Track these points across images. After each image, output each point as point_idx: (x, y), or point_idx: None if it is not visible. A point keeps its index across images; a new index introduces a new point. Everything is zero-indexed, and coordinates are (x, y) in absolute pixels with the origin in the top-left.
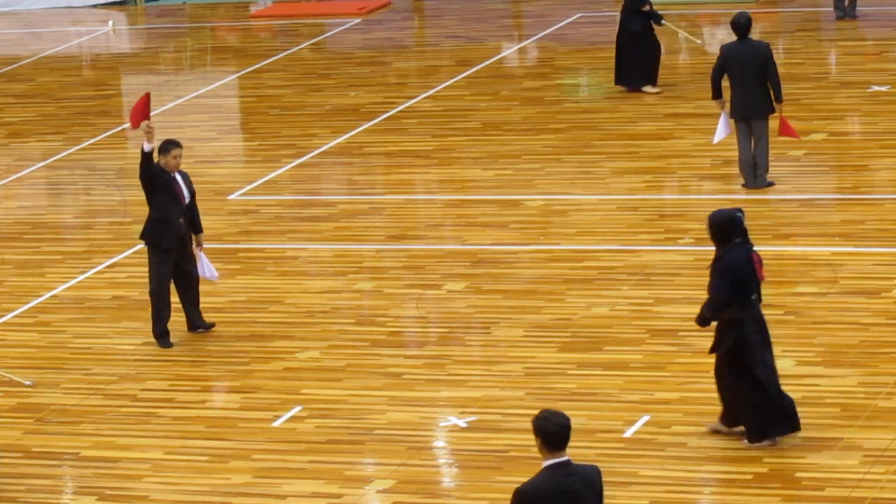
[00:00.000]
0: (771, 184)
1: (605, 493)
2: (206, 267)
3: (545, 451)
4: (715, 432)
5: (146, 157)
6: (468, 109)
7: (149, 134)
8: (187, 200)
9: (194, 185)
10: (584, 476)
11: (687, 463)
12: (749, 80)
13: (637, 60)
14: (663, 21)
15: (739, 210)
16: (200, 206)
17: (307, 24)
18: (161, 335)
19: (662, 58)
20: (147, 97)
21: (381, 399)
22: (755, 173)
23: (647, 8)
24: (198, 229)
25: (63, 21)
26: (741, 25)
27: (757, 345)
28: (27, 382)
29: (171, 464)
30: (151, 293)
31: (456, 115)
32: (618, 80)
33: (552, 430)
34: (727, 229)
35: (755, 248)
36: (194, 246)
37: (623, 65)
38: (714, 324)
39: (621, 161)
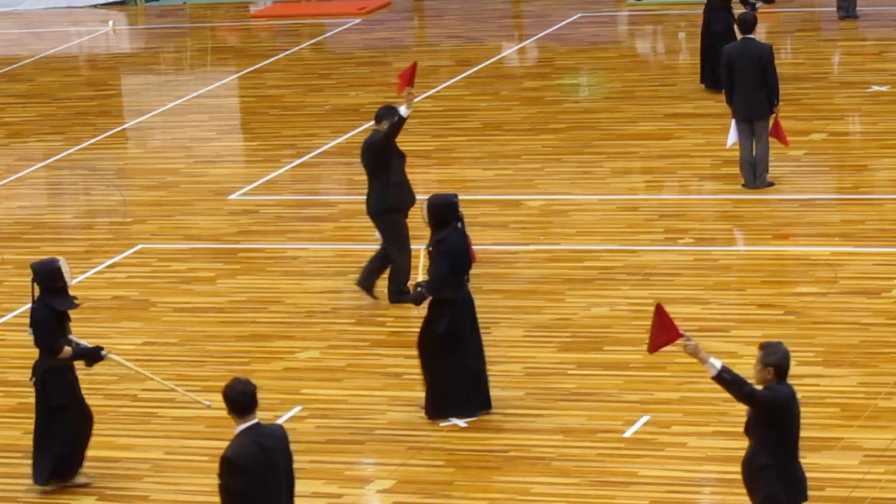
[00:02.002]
0: (771, 184)
1: (605, 492)
2: None
3: (235, 416)
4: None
5: (402, 122)
6: (468, 109)
7: (409, 101)
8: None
9: (196, 186)
10: (274, 434)
11: (687, 463)
12: (750, 81)
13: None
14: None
15: (455, 195)
16: (200, 205)
17: (307, 24)
18: (401, 292)
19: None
20: (414, 66)
21: (381, 399)
22: (755, 173)
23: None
24: None
25: (63, 21)
26: (747, 23)
27: (466, 324)
28: (206, 403)
29: (171, 464)
30: (396, 256)
31: (456, 115)
32: (702, 79)
33: (236, 398)
34: (446, 213)
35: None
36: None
37: (707, 64)
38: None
39: (621, 161)
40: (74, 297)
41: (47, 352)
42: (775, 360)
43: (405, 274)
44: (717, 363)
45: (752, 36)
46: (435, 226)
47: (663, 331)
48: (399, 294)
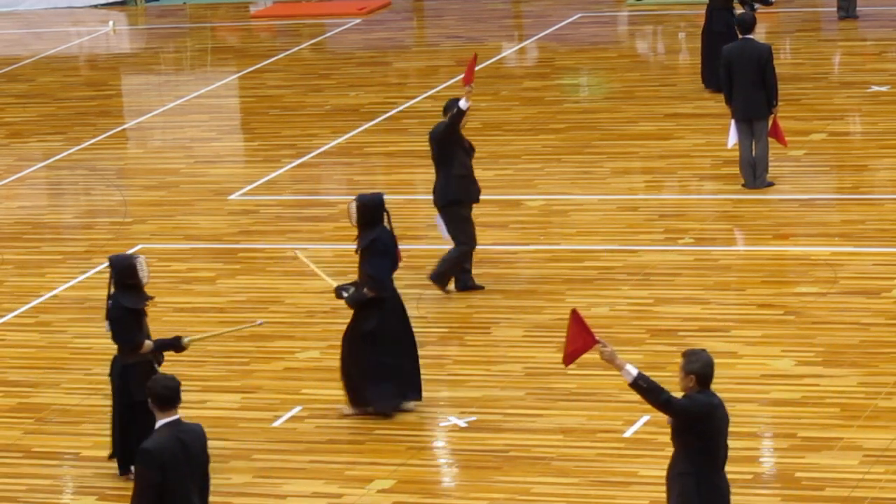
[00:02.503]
0: (771, 184)
1: (605, 492)
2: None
3: (158, 410)
4: (346, 416)
5: (461, 114)
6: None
7: (469, 94)
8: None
9: (196, 186)
10: (194, 432)
11: None
12: (749, 81)
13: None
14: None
15: (382, 194)
16: (200, 205)
17: (307, 24)
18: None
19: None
20: (474, 58)
21: None
22: (755, 173)
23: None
24: None
25: (63, 21)
26: (745, 23)
27: (395, 322)
28: (259, 322)
29: None
30: (464, 249)
31: None
32: (704, 79)
33: (160, 391)
34: (375, 213)
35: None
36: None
37: (707, 66)
38: None
39: (621, 161)
40: (147, 296)
41: (127, 348)
42: (696, 367)
43: (454, 264)
44: (633, 370)
45: (751, 36)
46: (365, 226)
47: (579, 337)
48: (439, 277)
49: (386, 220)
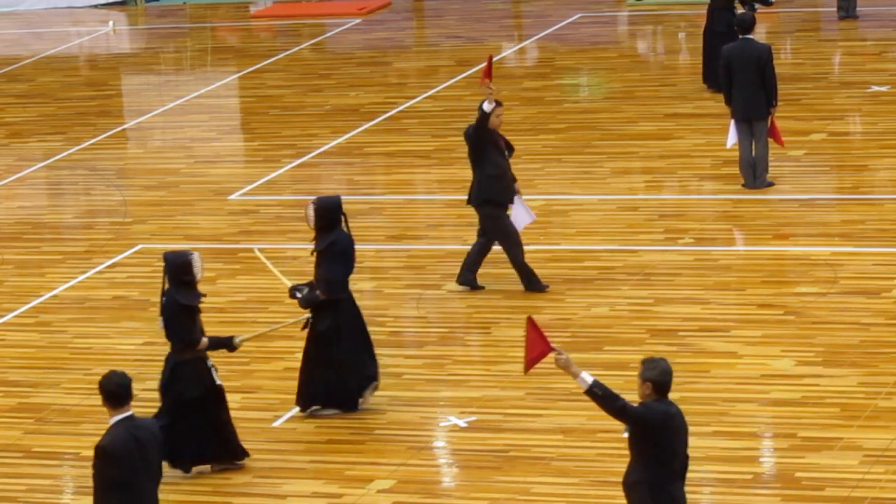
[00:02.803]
0: (771, 184)
1: (605, 492)
2: (524, 211)
3: (110, 408)
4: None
5: (485, 116)
6: (468, 109)
7: (489, 95)
8: (509, 155)
9: (196, 186)
10: (148, 428)
11: None
12: (749, 81)
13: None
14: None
15: (339, 196)
16: (201, 205)
17: (307, 24)
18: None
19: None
20: (489, 60)
21: (381, 399)
22: (755, 173)
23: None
24: (514, 179)
25: (63, 21)
26: (745, 23)
27: (350, 322)
28: (306, 317)
29: None
30: (508, 245)
31: (456, 115)
32: (705, 79)
33: (112, 389)
34: (333, 215)
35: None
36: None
37: (709, 65)
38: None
39: (621, 161)
40: (201, 293)
41: (183, 345)
42: (652, 375)
43: (518, 267)
44: (589, 378)
45: (750, 36)
46: (323, 228)
47: (536, 345)
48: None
49: (344, 222)
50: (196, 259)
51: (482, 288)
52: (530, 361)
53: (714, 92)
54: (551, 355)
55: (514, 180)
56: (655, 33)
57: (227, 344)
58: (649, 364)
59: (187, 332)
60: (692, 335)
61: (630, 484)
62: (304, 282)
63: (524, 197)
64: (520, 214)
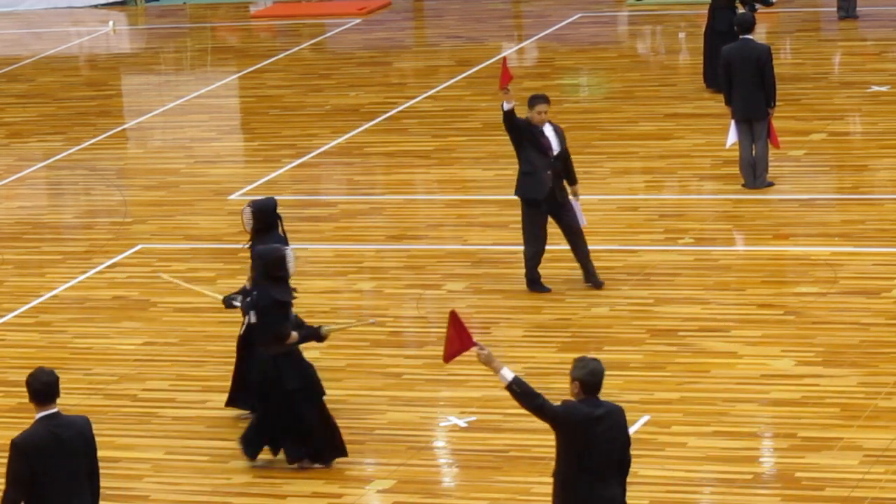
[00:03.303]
0: (771, 184)
1: None
2: (579, 215)
3: (36, 404)
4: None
5: (506, 114)
6: (468, 109)
7: (507, 94)
8: (555, 152)
9: (196, 186)
10: (73, 425)
11: (687, 463)
12: (748, 82)
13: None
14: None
15: (274, 198)
16: (202, 205)
17: (307, 24)
18: (533, 281)
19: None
20: (504, 62)
21: (381, 399)
22: (755, 173)
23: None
24: (572, 180)
25: (64, 21)
26: (745, 23)
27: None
28: (372, 321)
29: (171, 464)
30: (529, 250)
31: (456, 115)
32: (705, 79)
33: (38, 386)
34: (269, 218)
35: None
36: (570, 196)
37: (710, 65)
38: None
39: (621, 161)
40: (294, 288)
41: (275, 339)
42: (579, 374)
43: (528, 266)
44: (509, 375)
45: (750, 36)
46: (259, 231)
47: (457, 339)
48: (532, 282)
49: (280, 225)
50: (290, 254)
51: (548, 290)
52: (450, 354)
53: (714, 92)
54: (473, 350)
55: (572, 182)
56: (655, 33)
57: (316, 335)
58: (579, 363)
59: (279, 325)
60: (692, 335)
61: (553, 477)
62: (235, 291)
63: (581, 197)
64: (580, 215)
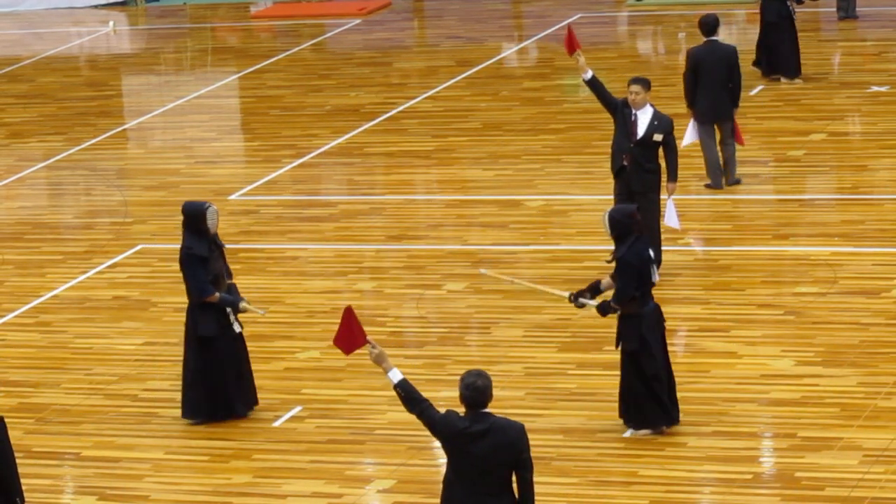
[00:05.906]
0: (738, 181)
1: (606, 493)
2: (671, 215)
3: None
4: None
5: (591, 84)
6: (468, 109)
7: (579, 63)
8: (638, 138)
9: (196, 186)
10: None
11: (687, 463)
12: (716, 84)
13: (774, 51)
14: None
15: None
16: None
17: (307, 24)
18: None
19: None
20: (569, 29)
21: (381, 399)
22: (726, 173)
23: None
24: (670, 176)
25: (64, 21)
26: (709, 24)
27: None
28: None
29: (171, 464)
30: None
31: (456, 115)
32: (761, 67)
33: None
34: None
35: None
36: (665, 195)
37: (763, 50)
38: None
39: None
40: (219, 245)
41: (195, 291)
42: (459, 388)
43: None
44: (396, 377)
45: (715, 38)
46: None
47: (350, 334)
48: None
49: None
50: (212, 210)
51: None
52: (341, 348)
53: (771, 80)
54: (365, 347)
55: (670, 177)
56: (655, 33)
57: (235, 304)
58: (463, 376)
59: (197, 280)
60: (692, 335)
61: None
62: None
63: (674, 197)
64: (671, 216)
